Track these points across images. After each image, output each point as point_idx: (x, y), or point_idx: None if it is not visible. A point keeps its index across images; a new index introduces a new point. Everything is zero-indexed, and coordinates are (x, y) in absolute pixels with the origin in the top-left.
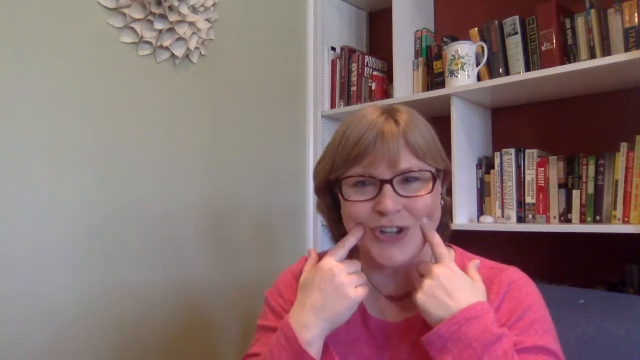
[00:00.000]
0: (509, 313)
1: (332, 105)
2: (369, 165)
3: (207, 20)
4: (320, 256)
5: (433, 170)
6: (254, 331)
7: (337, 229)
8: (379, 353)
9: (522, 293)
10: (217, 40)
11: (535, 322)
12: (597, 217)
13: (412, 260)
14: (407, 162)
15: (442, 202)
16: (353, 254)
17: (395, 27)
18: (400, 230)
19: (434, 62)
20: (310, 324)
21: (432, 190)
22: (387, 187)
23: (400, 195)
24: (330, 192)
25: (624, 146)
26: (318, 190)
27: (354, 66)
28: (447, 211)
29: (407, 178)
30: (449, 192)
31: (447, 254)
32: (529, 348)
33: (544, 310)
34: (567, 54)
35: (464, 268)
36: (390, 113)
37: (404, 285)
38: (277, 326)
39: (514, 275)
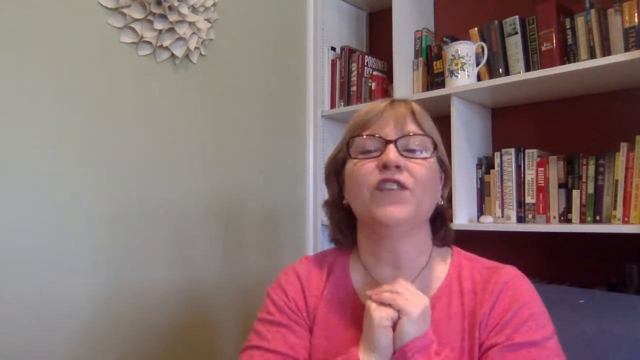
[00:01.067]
0: (504, 311)
1: (332, 105)
2: (376, 128)
3: (207, 20)
4: (319, 256)
5: (435, 138)
6: (253, 324)
7: (337, 215)
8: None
9: (517, 291)
10: (217, 40)
11: (530, 319)
12: (597, 217)
13: (411, 224)
14: (411, 127)
15: (442, 201)
16: (352, 250)
17: (395, 27)
18: (399, 184)
19: (434, 62)
20: None
21: (431, 156)
22: (391, 145)
23: (403, 156)
24: (337, 178)
25: (624, 146)
26: (327, 175)
27: (354, 66)
28: (447, 215)
29: (410, 149)
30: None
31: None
32: (520, 344)
33: (540, 308)
34: (567, 54)
35: (461, 268)
36: (397, 100)
37: (403, 276)
38: (281, 321)
39: (510, 274)
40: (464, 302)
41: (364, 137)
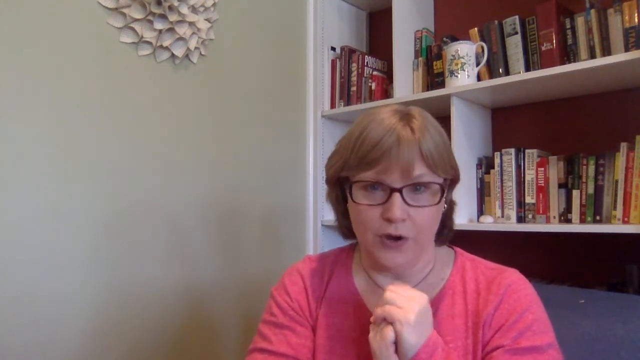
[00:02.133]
0: (508, 313)
1: (332, 105)
2: (382, 171)
3: (207, 20)
4: (322, 256)
5: (442, 182)
6: (258, 325)
7: (343, 223)
8: None
9: (521, 294)
10: (217, 40)
11: (534, 324)
12: (597, 217)
13: (413, 262)
14: (419, 170)
15: (446, 206)
16: (354, 252)
17: (395, 27)
18: (401, 237)
19: (434, 62)
20: None
21: (438, 202)
22: (397, 196)
23: (408, 205)
24: (340, 187)
25: (624, 146)
26: (329, 182)
27: (354, 66)
28: (452, 214)
29: (416, 187)
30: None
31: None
32: (525, 349)
33: (543, 313)
34: (567, 54)
35: (464, 269)
36: (406, 119)
37: (405, 282)
38: (284, 323)
39: (513, 276)
40: (467, 302)
41: (368, 184)
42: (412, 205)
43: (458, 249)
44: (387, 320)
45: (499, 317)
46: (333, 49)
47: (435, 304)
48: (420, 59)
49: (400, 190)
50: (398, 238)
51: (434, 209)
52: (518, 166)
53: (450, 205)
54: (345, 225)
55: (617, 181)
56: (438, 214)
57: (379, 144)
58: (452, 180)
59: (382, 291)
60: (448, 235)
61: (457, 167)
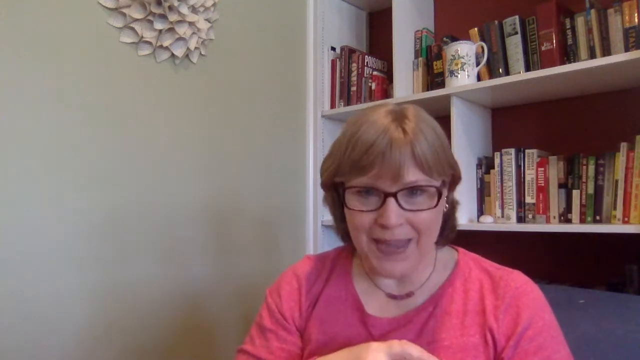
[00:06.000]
0: (514, 321)
1: (332, 105)
2: (375, 177)
3: (207, 20)
4: (322, 255)
5: (438, 185)
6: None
7: (341, 226)
8: None
9: (530, 297)
10: (217, 40)
11: (544, 330)
12: (597, 217)
13: (414, 268)
14: (413, 175)
15: (447, 206)
16: (354, 252)
17: (395, 27)
18: (400, 243)
19: (434, 62)
20: None
21: (436, 205)
22: (391, 201)
23: (404, 209)
24: (336, 191)
25: (624, 146)
26: (324, 187)
27: (354, 66)
28: (454, 214)
29: (412, 191)
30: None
31: None
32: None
33: (550, 315)
34: (567, 54)
35: (468, 269)
36: (399, 120)
37: (406, 285)
38: (268, 326)
39: (520, 279)
40: (467, 302)
41: (361, 190)
42: (408, 209)
43: (461, 249)
44: None
45: (507, 324)
46: (333, 49)
47: (433, 302)
48: (420, 59)
49: (394, 195)
50: (397, 245)
51: (433, 211)
52: (518, 166)
53: (453, 205)
54: (342, 228)
55: (617, 181)
56: (438, 216)
57: (370, 149)
58: (452, 180)
59: (382, 293)
60: (449, 236)
61: (457, 165)
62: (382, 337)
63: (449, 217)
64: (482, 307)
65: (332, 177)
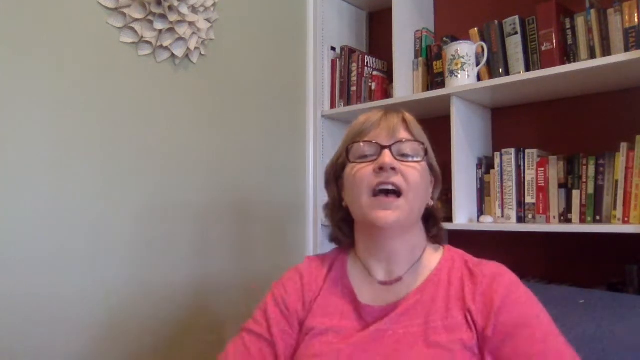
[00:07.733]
0: (490, 302)
1: (332, 105)
2: (373, 137)
3: (207, 20)
4: (322, 256)
5: (425, 145)
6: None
7: (337, 215)
8: (374, 338)
9: (503, 279)
10: (217, 40)
11: (518, 303)
12: (597, 217)
13: (404, 224)
14: (404, 135)
15: (432, 202)
16: (351, 248)
17: (395, 27)
18: (395, 192)
19: (434, 62)
20: None
21: (421, 161)
22: (386, 150)
23: (396, 159)
24: (336, 181)
25: (624, 146)
26: (327, 180)
27: (354, 66)
28: (438, 215)
29: (403, 154)
30: (448, 191)
31: None
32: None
33: (526, 290)
34: (567, 54)
35: (452, 261)
36: (390, 110)
37: (396, 271)
38: (270, 309)
39: (494, 267)
40: (449, 291)
41: (362, 143)
42: (401, 160)
43: (447, 246)
44: None
45: (483, 305)
46: (333, 49)
47: (421, 289)
48: (420, 59)
49: (389, 147)
50: (391, 192)
51: (419, 170)
52: (518, 166)
53: (435, 205)
54: (339, 218)
55: (617, 181)
56: (424, 176)
57: (368, 120)
58: (435, 180)
59: (374, 281)
60: (438, 233)
61: (438, 169)
62: (375, 323)
63: (432, 213)
64: (462, 294)
65: (335, 161)
